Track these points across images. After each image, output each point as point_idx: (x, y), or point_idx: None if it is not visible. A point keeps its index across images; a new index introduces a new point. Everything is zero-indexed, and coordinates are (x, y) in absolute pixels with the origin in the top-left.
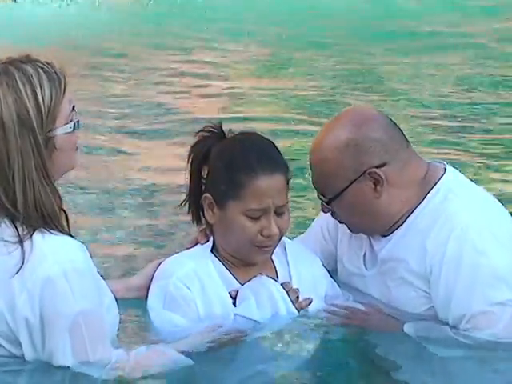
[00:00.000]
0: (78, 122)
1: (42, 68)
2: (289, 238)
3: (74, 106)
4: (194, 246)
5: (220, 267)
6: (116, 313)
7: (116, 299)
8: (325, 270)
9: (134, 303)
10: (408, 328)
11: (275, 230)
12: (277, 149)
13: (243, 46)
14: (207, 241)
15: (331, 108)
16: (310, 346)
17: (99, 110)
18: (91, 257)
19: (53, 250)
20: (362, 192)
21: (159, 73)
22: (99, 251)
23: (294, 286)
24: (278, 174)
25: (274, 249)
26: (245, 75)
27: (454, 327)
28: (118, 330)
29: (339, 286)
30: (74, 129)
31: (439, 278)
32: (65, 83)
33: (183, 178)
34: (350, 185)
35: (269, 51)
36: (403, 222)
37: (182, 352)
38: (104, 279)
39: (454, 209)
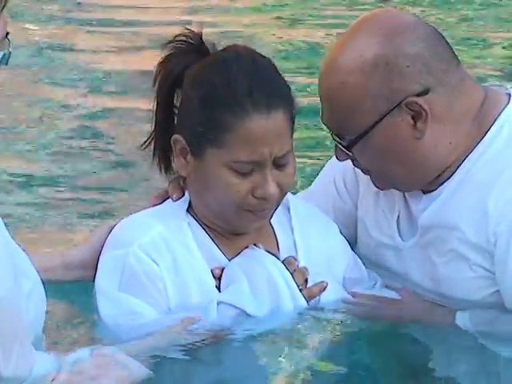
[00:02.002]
0: (9, 54)
1: None
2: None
3: (8, 33)
4: (162, 203)
5: (200, 234)
6: (43, 302)
7: (45, 283)
8: (344, 241)
9: (75, 286)
10: (462, 319)
11: (272, 189)
12: (277, 73)
13: None
14: (182, 196)
15: None
16: (322, 351)
17: None
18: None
19: None
20: (397, 130)
21: None
22: (22, 210)
23: (301, 264)
24: (279, 112)
25: (274, 212)
26: None
27: None
28: (49, 327)
29: (362, 262)
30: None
31: (508, 250)
32: None
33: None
34: (379, 121)
35: None
36: (453, 173)
37: (142, 357)
38: (27, 252)
39: None
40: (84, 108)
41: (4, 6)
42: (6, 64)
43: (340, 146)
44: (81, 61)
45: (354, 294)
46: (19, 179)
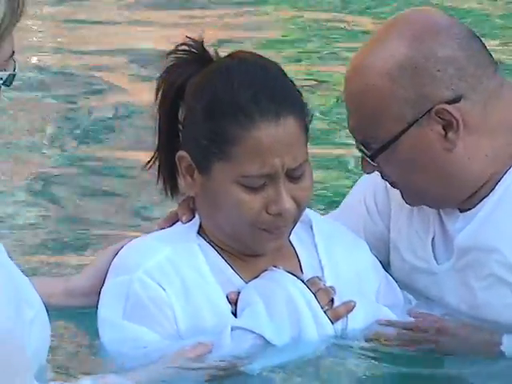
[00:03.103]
0: (13, 76)
1: None
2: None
3: (14, 52)
4: (171, 226)
5: (213, 256)
6: (47, 329)
7: (47, 309)
8: (375, 259)
9: (78, 313)
10: (509, 346)
11: (288, 204)
12: (286, 78)
13: None
14: (192, 218)
15: None
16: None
17: None
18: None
19: None
20: (426, 141)
21: None
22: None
23: (328, 284)
24: (289, 119)
25: (291, 230)
26: None
27: None
28: (50, 354)
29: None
30: (3, 82)
31: None
32: (23, 5)
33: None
34: (406, 129)
35: None
36: (492, 189)
37: None
38: (29, 277)
39: None
40: None
41: (17, 22)
42: (9, 86)
43: (364, 156)
44: None
45: (389, 323)
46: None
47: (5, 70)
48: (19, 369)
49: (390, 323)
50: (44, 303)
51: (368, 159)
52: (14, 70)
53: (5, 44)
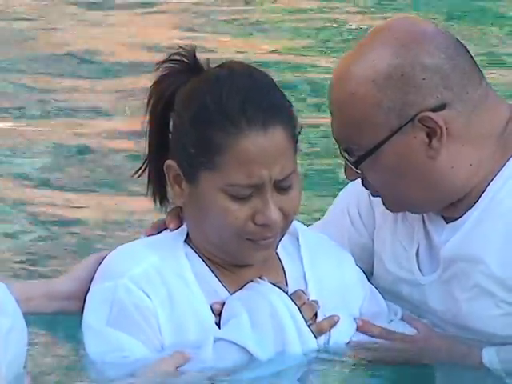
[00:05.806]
0: None
1: None
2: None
3: None
4: (159, 234)
5: (199, 265)
6: (24, 336)
7: (27, 313)
8: (360, 272)
9: (60, 319)
10: (489, 356)
11: (274, 215)
12: (276, 88)
13: None
14: (180, 226)
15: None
16: None
17: None
18: None
19: None
20: (410, 148)
21: None
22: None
23: (312, 297)
24: (277, 128)
25: (279, 242)
26: None
27: None
28: (27, 363)
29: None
30: None
31: None
32: None
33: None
34: (390, 136)
35: None
36: (477, 200)
37: None
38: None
39: None
40: None
41: None
42: None
43: (348, 163)
44: None
45: (362, 324)
46: None
47: None
48: None
49: (370, 329)
50: (23, 307)
51: (351, 166)
52: None
53: None
